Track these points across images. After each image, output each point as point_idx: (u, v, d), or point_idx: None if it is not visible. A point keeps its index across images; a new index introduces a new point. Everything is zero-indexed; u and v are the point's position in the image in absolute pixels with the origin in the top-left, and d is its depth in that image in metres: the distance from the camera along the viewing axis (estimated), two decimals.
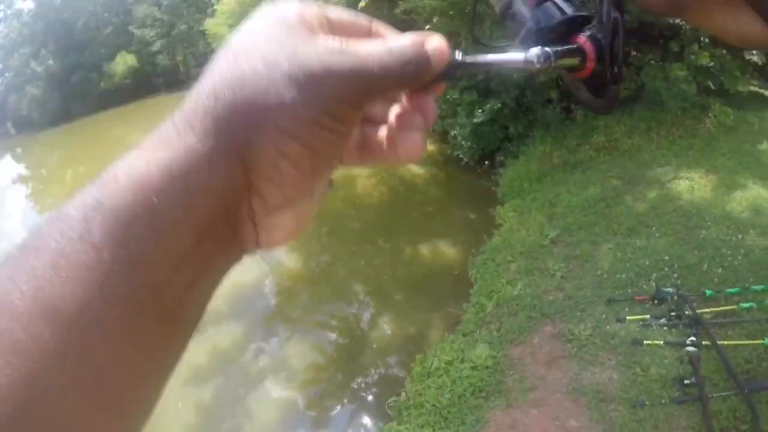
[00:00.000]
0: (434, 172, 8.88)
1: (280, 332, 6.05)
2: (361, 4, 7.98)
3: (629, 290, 4.31)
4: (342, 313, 6.03)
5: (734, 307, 3.73)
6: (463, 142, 8.02)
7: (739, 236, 4.46)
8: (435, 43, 0.29)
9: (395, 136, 0.33)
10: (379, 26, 0.32)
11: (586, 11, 0.38)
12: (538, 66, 0.33)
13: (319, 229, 8.11)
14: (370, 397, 4.78)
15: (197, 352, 5.25)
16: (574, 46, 0.36)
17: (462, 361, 4.17)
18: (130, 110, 16.16)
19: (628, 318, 4.00)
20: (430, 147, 9.65)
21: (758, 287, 3.81)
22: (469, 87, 7.79)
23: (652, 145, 6.77)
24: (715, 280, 4.07)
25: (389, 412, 4.16)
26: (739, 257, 4.21)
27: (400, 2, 7.98)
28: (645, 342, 3.74)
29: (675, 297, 3.96)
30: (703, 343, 3.54)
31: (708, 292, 3.89)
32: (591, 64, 0.36)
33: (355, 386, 4.90)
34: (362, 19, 0.32)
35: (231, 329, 5.84)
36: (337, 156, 0.31)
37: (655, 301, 4.05)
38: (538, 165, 7.26)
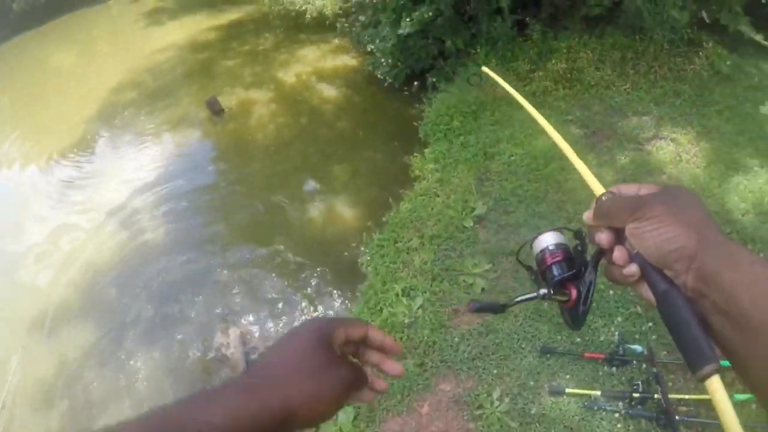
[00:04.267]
0: (349, 95, 6.89)
1: None
2: None
3: (577, 336, 2.84)
4: (208, 301, 4.41)
5: None
6: (383, 60, 6.10)
7: None
8: (380, 386, 0.59)
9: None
10: (373, 332, 0.60)
11: (576, 267, 0.66)
12: (543, 293, 0.66)
13: (197, 166, 6.27)
14: None
15: None
16: (566, 291, 0.66)
17: None
18: (49, 29, 13.81)
19: (567, 391, 2.57)
20: (350, 62, 7.62)
21: None
22: None
23: (626, 82, 5.10)
24: None
25: None
26: None
27: None
28: None
29: (643, 365, 2.53)
30: None
31: None
32: (572, 303, 0.65)
33: None
34: (360, 328, 0.58)
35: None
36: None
37: (614, 366, 2.62)
38: (476, 93, 5.47)
